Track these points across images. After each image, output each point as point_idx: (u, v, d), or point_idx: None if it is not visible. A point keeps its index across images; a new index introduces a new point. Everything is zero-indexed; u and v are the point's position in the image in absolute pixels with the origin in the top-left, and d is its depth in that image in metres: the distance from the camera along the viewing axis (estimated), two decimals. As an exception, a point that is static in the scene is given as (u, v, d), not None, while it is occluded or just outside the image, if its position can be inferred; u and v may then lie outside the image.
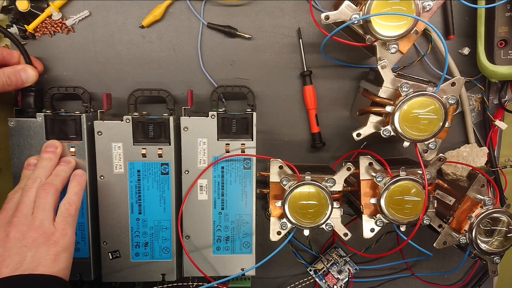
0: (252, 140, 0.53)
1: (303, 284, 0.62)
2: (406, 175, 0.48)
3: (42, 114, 0.50)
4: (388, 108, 0.46)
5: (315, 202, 0.48)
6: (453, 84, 0.47)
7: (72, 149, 0.51)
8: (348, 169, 0.49)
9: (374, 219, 0.50)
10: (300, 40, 0.57)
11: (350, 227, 0.53)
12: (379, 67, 0.47)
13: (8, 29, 0.54)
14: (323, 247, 0.63)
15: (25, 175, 0.48)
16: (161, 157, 0.52)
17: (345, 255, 0.62)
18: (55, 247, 0.43)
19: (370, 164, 0.50)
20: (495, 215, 0.49)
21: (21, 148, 0.50)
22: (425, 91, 0.45)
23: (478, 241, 0.49)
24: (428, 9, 0.45)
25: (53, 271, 0.42)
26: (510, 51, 0.54)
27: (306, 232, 0.49)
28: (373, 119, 0.49)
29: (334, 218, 0.50)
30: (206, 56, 0.58)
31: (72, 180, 0.49)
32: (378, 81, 0.49)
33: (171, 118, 0.51)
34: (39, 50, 0.56)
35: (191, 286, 0.56)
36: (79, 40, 0.56)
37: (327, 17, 0.46)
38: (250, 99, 0.54)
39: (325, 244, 0.63)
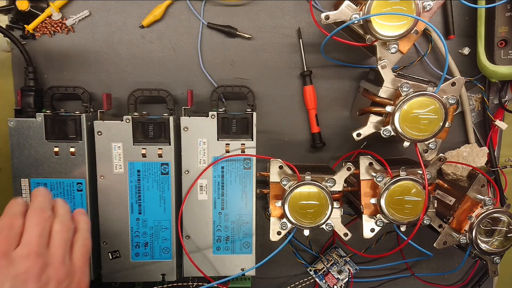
0: (252, 140, 0.53)
1: (303, 284, 0.62)
2: (406, 175, 0.48)
3: (42, 114, 0.50)
4: (388, 108, 0.46)
5: (315, 202, 0.48)
6: (453, 84, 0.47)
7: (72, 149, 0.51)
8: (348, 169, 0.49)
9: (374, 219, 0.50)
10: (300, 40, 0.57)
11: (350, 227, 0.53)
12: (379, 67, 0.47)
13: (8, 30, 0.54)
14: (323, 247, 0.63)
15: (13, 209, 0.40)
16: (161, 157, 0.52)
17: (345, 255, 0.62)
18: (68, 280, 0.39)
19: (370, 164, 0.50)
20: (495, 215, 0.49)
21: (21, 148, 0.50)
22: (425, 91, 0.45)
23: (478, 241, 0.49)
24: (428, 9, 0.45)
25: None
26: (510, 51, 0.54)
27: (306, 232, 0.49)
28: (373, 119, 0.49)
29: (334, 218, 0.50)
30: (206, 56, 0.58)
31: (79, 215, 0.44)
32: (378, 81, 0.49)
33: (171, 118, 0.51)
34: (39, 50, 0.56)
35: (191, 286, 0.56)
36: (79, 40, 0.56)
37: (327, 17, 0.46)
38: (250, 99, 0.54)
39: (325, 244, 0.63)
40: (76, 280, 0.39)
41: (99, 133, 0.51)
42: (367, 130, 0.49)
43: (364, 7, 0.44)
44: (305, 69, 0.58)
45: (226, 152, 0.52)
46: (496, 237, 0.50)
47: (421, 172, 0.49)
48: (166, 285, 0.55)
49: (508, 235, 0.49)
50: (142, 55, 0.57)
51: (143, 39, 0.57)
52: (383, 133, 0.47)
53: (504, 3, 0.52)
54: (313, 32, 0.58)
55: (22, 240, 0.38)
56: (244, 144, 0.52)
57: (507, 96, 0.59)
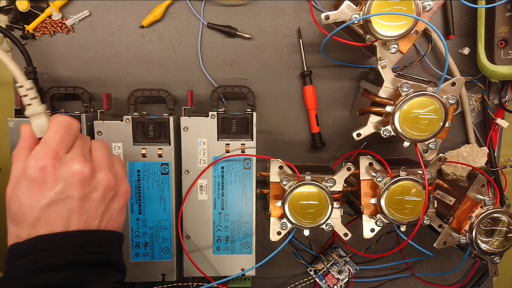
0: (252, 140, 0.53)
1: (303, 284, 0.62)
2: (406, 175, 0.48)
3: (42, 114, 0.50)
4: (388, 108, 0.46)
5: (315, 202, 0.48)
6: (453, 84, 0.47)
7: (72, 149, 0.51)
8: (348, 169, 0.49)
9: (374, 219, 0.50)
10: (300, 40, 0.57)
11: (350, 227, 0.53)
12: (379, 67, 0.47)
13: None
14: (323, 247, 0.63)
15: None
16: (161, 157, 0.52)
17: (345, 255, 0.62)
18: (124, 199, 0.40)
19: (370, 164, 0.50)
20: (495, 215, 0.49)
21: (21, 148, 0.50)
22: (425, 91, 0.45)
23: (478, 241, 0.49)
24: (428, 9, 0.45)
25: (119, 227, 0.40)
26: (510, 51, 0.54)
27: (306, 232, 0.49)
28: (373, 119, 0.49)
29: (334, 218, 0.50)
30: (206, 56, 0.58)
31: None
32: (378, 81, 0.49)
33: (171, 118, 0.51)
34: (39, 50, 0.56)
35: (191, 286, 0.56)
36: (79, 40, 0.56)
37: (327, 17, 0.46)
38: (250, 99, 0.54)
39: (325, 244, 0.63)
40: (122, 189, 0.40)
41: (99, 133, 0.51)
42: (367, 130, 0.49)
43: (364, 7, 0.44)
44: (305, 69, 0.58)
45: (226, 152, 0.52)
46: (496, 237, 0.50)
47: (421, 172, 0.49)
48: (166, 285, 0.55)
49: (508, 235, 0.49)
50: (142, 55, 0.57)
51: (143, 39, 0.57)
52: (383, 133, 0.47)
53: (504, 3, 0.52)
54: (313, 32, 0.58)
55: (71, 151, 0.38)
56: (244, 144, 0.52)
57: (507, 96, 0.59)
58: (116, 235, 0.40)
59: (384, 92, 0.48)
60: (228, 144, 0.52)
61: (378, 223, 0.49)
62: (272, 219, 0.50)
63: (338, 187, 0.49)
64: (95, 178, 0.37)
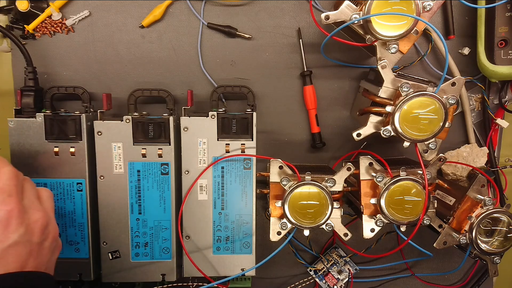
0: (252, 140, 0.53)
1: (303, 285, 0.62)
2: (406, 175, 0.48)
3: (42, 114, 0.50)
4: (388, 108, 0.46)
5: (315, 202, 0.48)
6: (453, 84, 0.47)
7: (72, 149, 0.51)
8: (348, 169, 0.49)
9: (374, 219, 0.50)
10: (300, 40, 0.57)
11: (350, 227, 0.53)
12: (379, 67, 0.47)
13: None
14: (323, 247, 0.63)
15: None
16: (161, 157, 0.52)
17: (345, 255, 0.62)
18: (59, 250, 0.43)
19: (370, 164, 0.50)
20: (495, 215, 0.49)
21: (21, 148, 0.50)
22: (425, 91, 0.45)
23: (478, 241, 0.49)
24: (428, 9, 0.45)
25: (49, 269, 0.41)
26: (510, 51, 0.54)
27: (306, 232, 0.49)
28: (373, 119, 0.49)
29: (334, 218, 0.50)
30: (206, 56, 0.58)
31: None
32: (378, 81, 0.49)
33: (171, 118, 0.51)
34: (39, 50, 0.56)
35: (191, 286, 0.56)
36: (79, 40, 0.56)
37: (327, 17, 0.46)
38: (250, 99, 0.54)
39: (325, 244, 0.63)
40: (59, 241, 0.42)
41: (99, 133, 0.51)
42: (367, 130, 0.49)
43: (364, 7, 0.44)
44: (305, 69, 0.58)
45: (226, 152, 0.52)
46: (496, 237, 0.50)
47: (421, 172, 0.49)
48: (166, 285, 0.55)
49: (508, 235, 0.49)
50: (142, 55, 0.57)
51: (143, 39, 0.57)
52: (383, 133, 0.47)
53: (504, 3, 0.52)
54: (313, 32, 0.58)
55: (24, 197, 0.39)
56: (244, 144, 0.52)
57: (507, 96, 0.59)
58: (53, 279, 0.42)
59: (384, 92, 0.48)
60: (228, 144, 0.52)
61: (378, 223, 0.49)
62: (272, 219, 0.50)
63: (338, 187, 0.49)
64: (47, 227, 0.40)
